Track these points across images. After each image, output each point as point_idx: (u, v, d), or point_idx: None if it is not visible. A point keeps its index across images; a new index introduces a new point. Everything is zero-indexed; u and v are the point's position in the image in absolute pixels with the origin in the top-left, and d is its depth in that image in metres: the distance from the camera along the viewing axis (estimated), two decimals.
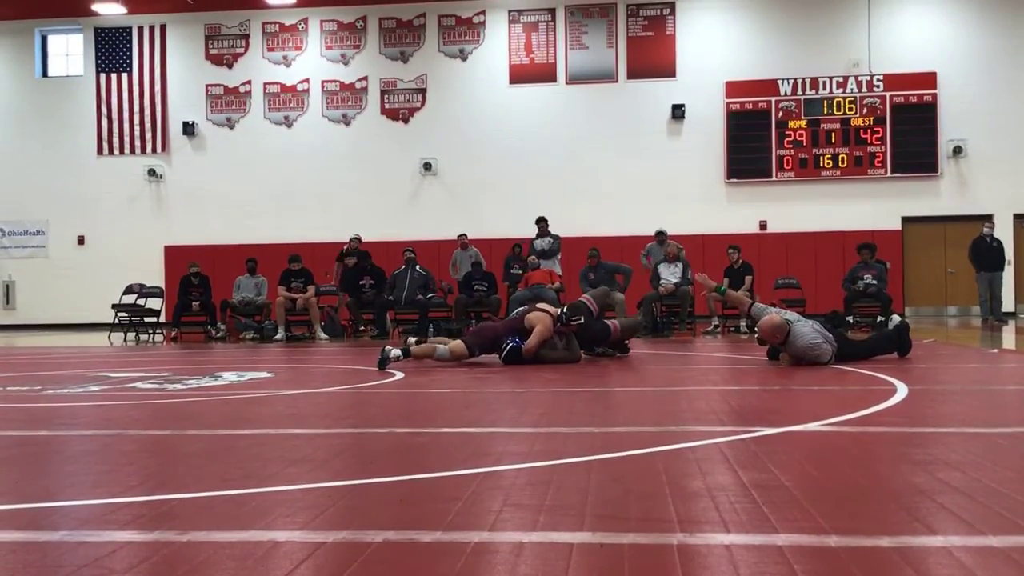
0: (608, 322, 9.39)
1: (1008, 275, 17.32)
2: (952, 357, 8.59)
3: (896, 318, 14.13)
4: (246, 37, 22.11)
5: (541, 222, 15.87)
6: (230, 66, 22.12)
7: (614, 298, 10.53)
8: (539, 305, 9.29)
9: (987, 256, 16.52)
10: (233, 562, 2.28)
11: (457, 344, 8.66)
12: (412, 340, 9.09)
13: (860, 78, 20.33)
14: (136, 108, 22.16)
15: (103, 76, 22.27)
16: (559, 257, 15.74)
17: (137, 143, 22.16)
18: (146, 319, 16.20)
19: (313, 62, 21.92)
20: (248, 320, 15.32)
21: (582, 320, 8.75)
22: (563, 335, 8.77)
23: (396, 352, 8.29)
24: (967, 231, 19.32)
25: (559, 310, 8.87)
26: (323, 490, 3.10)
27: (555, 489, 3.03)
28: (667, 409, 5.43)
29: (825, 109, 20.37)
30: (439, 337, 9.64)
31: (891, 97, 20.23)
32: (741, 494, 2.92)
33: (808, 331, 7.75)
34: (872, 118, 20.24)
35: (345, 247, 16.50)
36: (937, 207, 20.24)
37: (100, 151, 22.25)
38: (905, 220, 20.29)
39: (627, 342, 9.53)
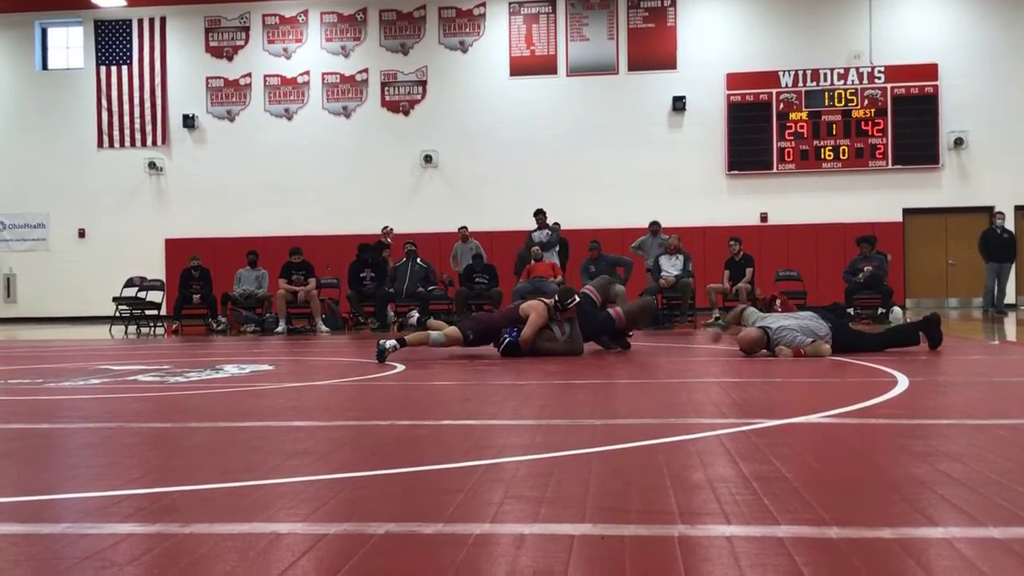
0: (610, 311, 9.32)
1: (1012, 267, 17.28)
2: (953, 349, 8.58)
3: (897, 310, 14.23)
4: (246, 29, 22.08)
5: (539, 214, 15.87)
6: (230, 58, 22.09)
7: (615, 291, 10.48)
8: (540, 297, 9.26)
9: (997, 247, 16.49)
10: (235, 554, 2.28)
11: (452, 329, 8.66)
12: (415, 315, 9.04)
13: (861, 70, 20.30)
14: (136, 101, 22.14)
15: (103, 69, 22.25)
16: (558, 249, 15.73)
17: (137, 136, 22.15)
18: (147, 312, 16.21)
19: (313, 54, 21.89)
20: (249, 313, 15.33)
21: (577, 299, 8.67)
22: (563, 325, 8.66)
23: (392, 343, 8.28)
24: (968, 223, 19.32)
25: (554, 299, 8.81)
26: (325, 482, 3.11)
27: (556, 481, 3.03)
28: (668, 401, 5.43)
29: (826, 101, 20.34)
30: (436, 321, 9.58)
31: (892, 89, 20.19)
32: (742, 486, 2.92)
33: (783, 328, 7.99)
34: (873, 110, 20.21)
35: (380, 239, 16.43)
36: (938, 199, 20.22)
37: (100, 144, 22.24)
38: (906, 212, 20.28)
39: (629, 336, 9.43)
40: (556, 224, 15.94)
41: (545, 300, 8.80)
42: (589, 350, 9.14)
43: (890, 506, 2.67)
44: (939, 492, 2.81)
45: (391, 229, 16.97)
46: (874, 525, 2.43)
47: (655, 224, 15.70)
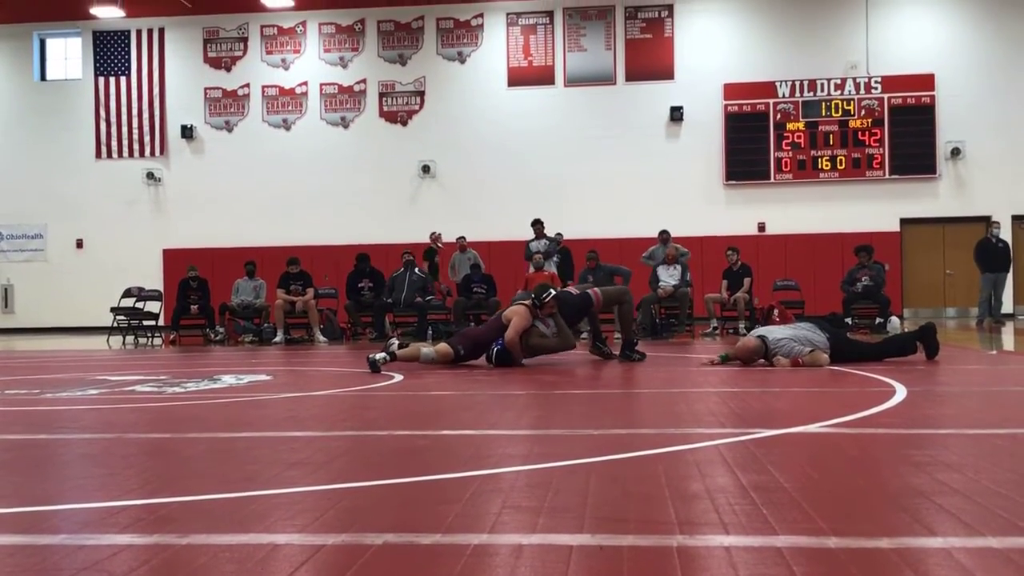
0: (588, 291, 9.41)
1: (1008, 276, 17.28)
2: (951, 358, 8.59)
3: (895, 320, 14.24)
4: (244, 40, 22.12)
5: (537, 224, 15.88)
6: (228, 69, 22.12)
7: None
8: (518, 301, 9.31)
9: (993, 257, 16.51)
10: (233, 565, 2.28)
11: (443, 346, 8.69)
12: (395, 344, 8.93)
13: (858, 80, 20.35)
14: (134, 111, 22.17)
15: (101, 79, 22.27)
16: (556, 259, 15.71)
17: (136, 146, 22.16)
18: (145, 322, 16.19)
19: (312, 65, 21.93)
20: (247, 323, 15.32)
21: (552, 292, 8.81)
22: (547, 321, 8.81)
23: (382, 355, 8.31)
24: (965, 233, 19.35)
25: (531, 297, 8.90)
26: (323, 493, 3.10)
27: (554, 491, 3.03)
28: (666, 411, 5.42)
29: (823, 111, 20.38)
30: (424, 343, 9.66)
31: (889, 99, 20.25)
32: (740, 496, 2.92)
33: (782, 338, 7.99)
34: (870, 120, 20.26)
35: (431, 245, 16.54)
36: (935, 209, 20.26)
37: (99, 154, 22.25)
38: (903, 222, 20.31)
39: (637, 345, 9.40)
40: (559, 234, 15.97)
41: (524, 303, 8.87)
42: (588, 360, 9.14)
43: (888, 516, 2.67)
44: (937, 502, 2.81)
45: (440, 234, 16.97)
46: (873, 535, 2.43)
47: (664, 233, 15.57)
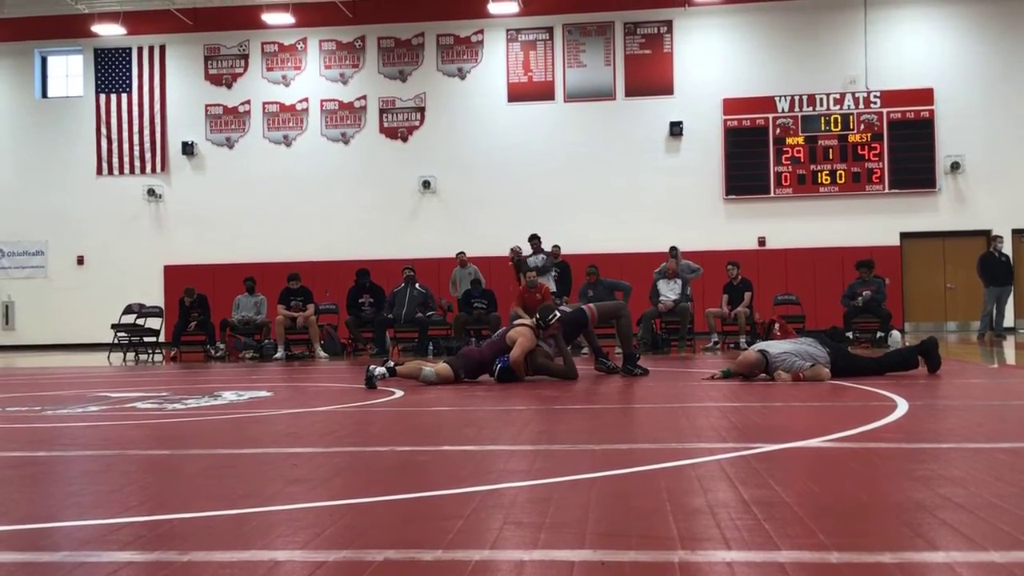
0: (583, 306, 9.52)
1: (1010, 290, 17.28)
2: (952, 372, 8.58)
3: (896, 334, 14.23)
4: (245, 57, 22.20)
5: (534, 239, 15.86)
6: (229, 86, 22.19)
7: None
8: (516, 321, 9.31)
9: (996, 271, 16.53)
10: None
11: (443, 367, 8.65)
12: (392, 363, 8.87)
13: (857, 95, 20.40)
14: (136, 128, 22.22)
15: (103, 97, 22.34)
16: (553, 275, 15.69)
17: (136, 163, 22.20)
18: (145, 339, 16.19)
19: (312, 81, 21.99)
20: (248, 339, 15.31)
21: (559, 315, 8.87)
22: (551, 342, 8.92)
23: (381, 370, 8.28)
24: (966, 247, 19.36)
25: (535, 319, 8.91)
26: (324, 509, 3.10)
27: (556, 507, 3.02)
28: (668, 426, 5.42)
29: (822, 126, 20.42)
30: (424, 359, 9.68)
31: (888, 113, 20.29)
32: (742, 511, 2.91)
33: (783, 353, 8.00)
34: (869, 134, 20.30)
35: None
36: (935, 223, 20.27)
37: (100, 171, 22.29)
38: (903, 236, 20.31)
39: (639, 361, 9.42)
40: (556, 247, 15.96)
41: (526, 323, 8.88)
42: (590, 375, 9.14)
43: (891, 530, 2.67)
44: (940, 516, 2.80)
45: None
46: (875, 550, 2.42)
47: (673, 249, 15.47)
